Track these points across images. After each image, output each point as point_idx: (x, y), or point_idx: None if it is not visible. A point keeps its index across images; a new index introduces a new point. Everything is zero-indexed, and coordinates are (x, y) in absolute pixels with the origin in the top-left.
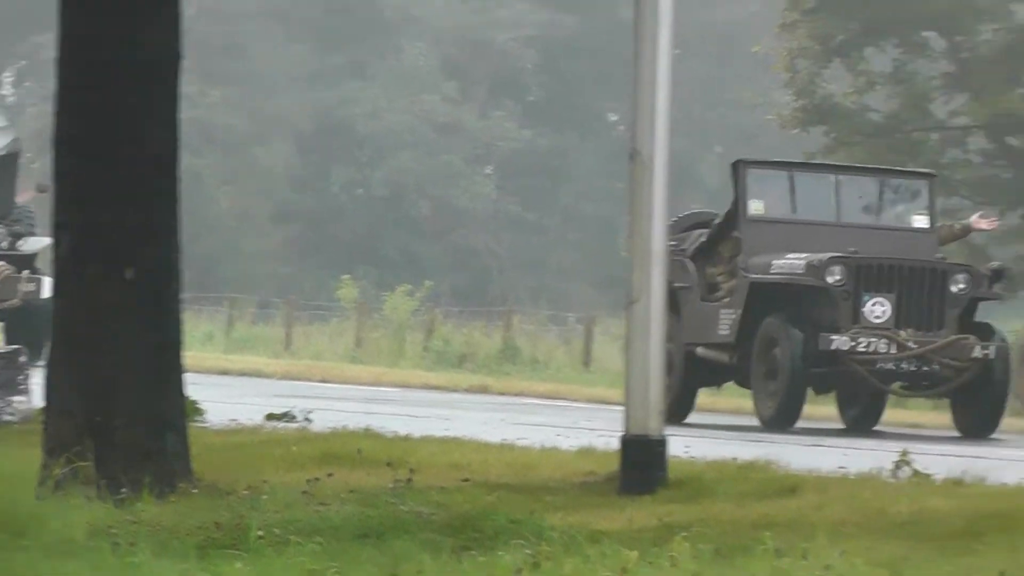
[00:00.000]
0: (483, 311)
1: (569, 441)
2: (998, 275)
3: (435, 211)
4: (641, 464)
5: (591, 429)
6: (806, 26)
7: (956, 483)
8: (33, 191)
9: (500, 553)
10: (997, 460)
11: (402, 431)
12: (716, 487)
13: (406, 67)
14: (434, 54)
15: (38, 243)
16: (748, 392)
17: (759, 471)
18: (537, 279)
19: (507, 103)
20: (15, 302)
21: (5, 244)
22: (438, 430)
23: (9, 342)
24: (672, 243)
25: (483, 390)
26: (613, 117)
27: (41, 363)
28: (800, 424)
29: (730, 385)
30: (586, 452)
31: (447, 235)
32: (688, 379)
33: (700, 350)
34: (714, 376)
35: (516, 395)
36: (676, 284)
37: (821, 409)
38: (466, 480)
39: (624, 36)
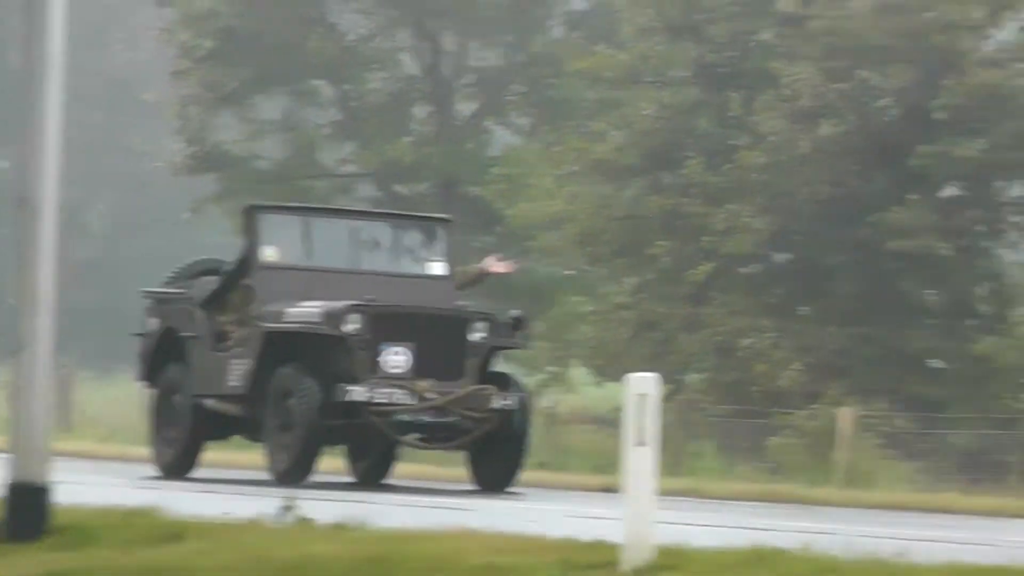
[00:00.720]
0: None
1: None
2: (519, 323)
3: None
4: (27, 511)
5: None
6: (198, 74)
7: (338, 527)
8: None
9: None
10: (383, 505)
11: None
12: (102, 533)
13: None
14: None
15: None
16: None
17: (144, 517)
18: None
19: None
20: None
21: None
22: None
23: None
24: (180, 291)
25: None
26: (2, 164)
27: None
28: (316, 478)
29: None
30: None
31: None
32: (195, 432)
33: (209, 402)
34: (223, 429)
35: None
36: (183, 333)
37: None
38: None
39: (13, 81)
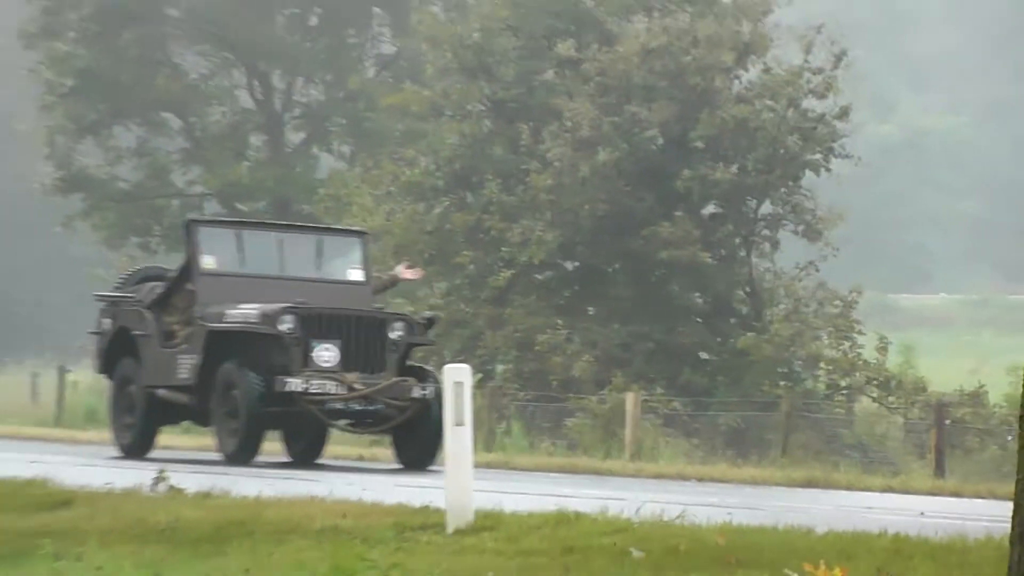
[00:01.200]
0: None
1: None
2: (431, 323)
3: None
4: None
5: None
6: (62, 108)
7: (205, 496)
8: None
9: None
10: (242, 476)
11: None
12: (1, 501)
13: None
14: None
15: None
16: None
17: (37, 487)
18: None
19: None
20: None
21: None
22: None
23: None
24: (129, 295)
25: None
26: None
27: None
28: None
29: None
30: None
31: None
32: (149, 418)
33: (161, 392)
34: (174, 415)
35: None
36: (135, 332)
37: (272, 445)
38: None
39: None
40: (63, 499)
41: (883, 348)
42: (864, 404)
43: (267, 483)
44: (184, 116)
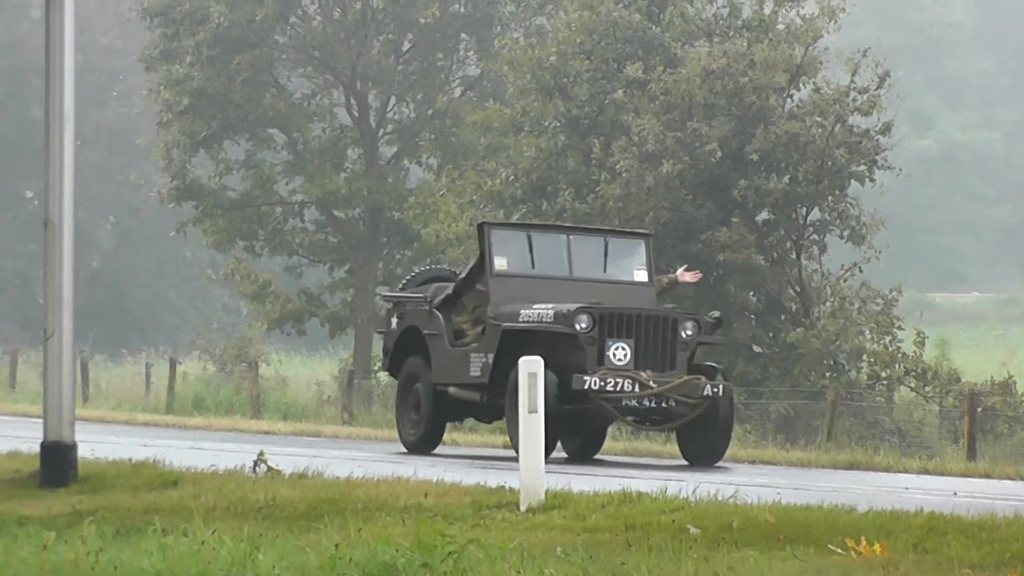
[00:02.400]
0: None
1: (0, 445)
2: (719, 323)
3: None
4: (56, 464)
5: (17, 437)
6: (178, 124)
7: (300, 476)
8: None
9: None
10: (331, 459)
11: None
12: (115, 481)
13: None
14: None
15: None
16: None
17: (149, 468)
18: None
19: None
20: None
21: None
22: None
23: None
24: (417, 295)
25: None
26: (29, 194)
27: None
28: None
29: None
30: (13, 455)
31: None
32: (436, 415)
33: (452, 389)
34: (460, 412)
35: None
36: (425, 331)
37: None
38: None
39: (36, 130)
40: (171, 479)
41: (920, 342)
42: (903, 393)
43: (357, 465)
44: (288, 132)
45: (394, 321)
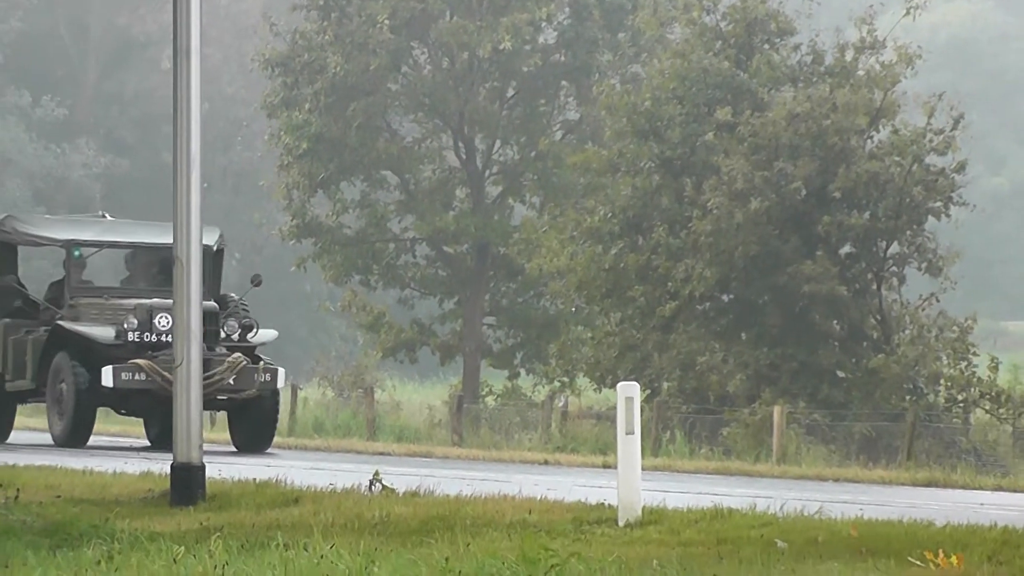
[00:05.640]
0: None
1: (133, 467)
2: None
3: None
4: (185, 484)
5: (148, 458)
6: (298, 166)
7: (413, 494)
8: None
9: (84, 550)
10: (442, 478)
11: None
12: (241, 500)
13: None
14: (27, 187)
15: (267, 335)
16: None
17: (271, 488)
18: None
19: None
20: (252, 392)
21: (236, 336)
22: (29, 460)
23: (233, 433)
24: None
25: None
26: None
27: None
28: None
29: None
30: (145, 476)
31: None
32: None
33: None
34: None
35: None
36: None
37: None
38: (58, 496)
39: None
40: (293, 497)
41: (994, 367)
42: (978, 415)
43: (466, 484)
44: (400, 173)
45: None
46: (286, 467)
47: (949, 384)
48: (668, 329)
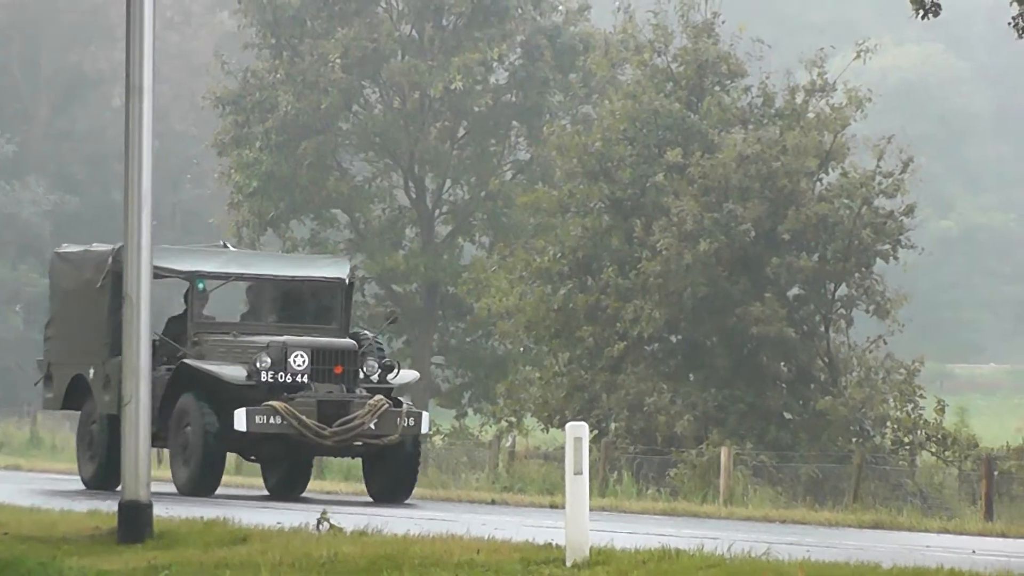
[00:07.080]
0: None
1: (81, 504)
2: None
3: None
4: (133, 521)
5: (96, 496)
6: (248, 204)
7: (361, 534)
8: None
9: None
10: (390, 517)
11: None
12: (188, 538)
13: None
14: None
15: (408, 376)
16: None
17: (219, 526)
18: None
19: (31, 259)
20: (394, 438)
21: (375, 377)
22: None
23: (369, 482)
24: None
25: (16, 467)
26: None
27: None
28: None
29: None
30: (93, 513)
31: None
32: None
33: None
34: None
35: (38, 471)
36: None
37: None
38: (5, 534)
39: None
40: (241, 536)
41: (941, 410)
42: (924, 458)
43: (414, 523)
44: (350, 212)
45: None
46: (234, 506)
47: (896, 426)
48: (616, 370)
